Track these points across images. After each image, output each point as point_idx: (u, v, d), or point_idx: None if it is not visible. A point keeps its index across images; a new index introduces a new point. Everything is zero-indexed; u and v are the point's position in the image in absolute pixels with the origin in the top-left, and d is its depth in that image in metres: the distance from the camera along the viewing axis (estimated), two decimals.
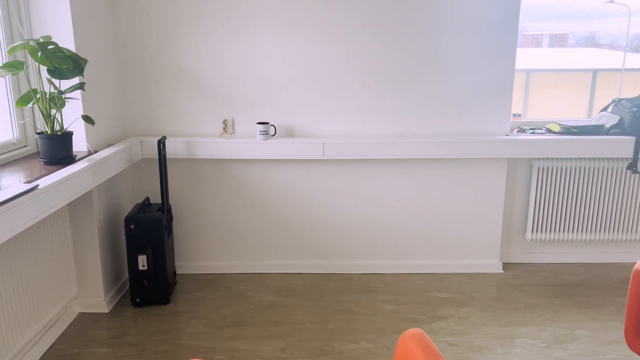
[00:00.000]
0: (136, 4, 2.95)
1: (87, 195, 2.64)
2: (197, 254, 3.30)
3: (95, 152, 2.64)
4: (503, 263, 3.42)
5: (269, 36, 2.99)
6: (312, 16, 2.97)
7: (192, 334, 2.57)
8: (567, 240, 3.34)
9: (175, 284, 3.14)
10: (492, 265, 3.30)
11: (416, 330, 1.08)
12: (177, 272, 3.31)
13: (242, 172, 3.17)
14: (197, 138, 3.04)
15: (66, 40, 2.51)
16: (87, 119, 2.40)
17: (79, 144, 2.63)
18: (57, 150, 2.33)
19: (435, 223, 3.25)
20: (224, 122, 3.09)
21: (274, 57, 3.02)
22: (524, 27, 3.27)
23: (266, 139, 3.03)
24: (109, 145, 2.85)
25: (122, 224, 3.06)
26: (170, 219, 3.01)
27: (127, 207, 3.16)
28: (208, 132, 3.12)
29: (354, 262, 3.31)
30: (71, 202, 2.65)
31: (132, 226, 2.78)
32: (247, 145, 3.02)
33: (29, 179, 2.03)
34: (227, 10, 2.96)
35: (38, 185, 1.91)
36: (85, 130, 2.63)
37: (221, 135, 3.10)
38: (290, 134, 3.14)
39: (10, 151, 2.42)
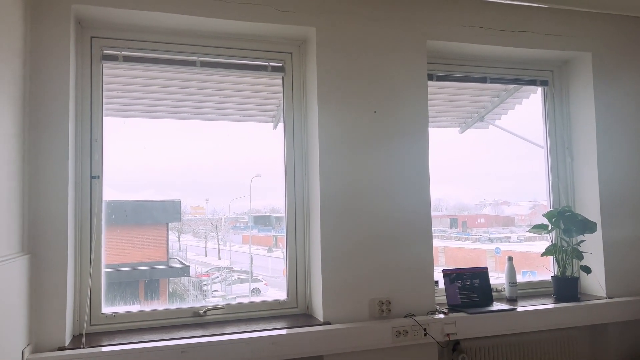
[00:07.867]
0: None
1: (602, 329, 3.14)
2: None
3: (610, 297, 3.13)
4: None
5: None
6: None
7: None
8: None
9: None
10: None
11: None
12: None
13: None
14: None
15: (591, 209, 3.27)
16: (584, 268, 3.05)
17: (595, 288, 3.22)
18: (563, 289, 3.11)
19: None
20: None
21: None
22: None
23: None
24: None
25: None
26: None
27: None
28: None
29: None
30: (593, 337, 3.22)
31: None
32: None
33: (512, 306, 2.97)
34: None
35: (516, 308, 2.87)
36: (605, 277, 3.19)
37: None
38: None
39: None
